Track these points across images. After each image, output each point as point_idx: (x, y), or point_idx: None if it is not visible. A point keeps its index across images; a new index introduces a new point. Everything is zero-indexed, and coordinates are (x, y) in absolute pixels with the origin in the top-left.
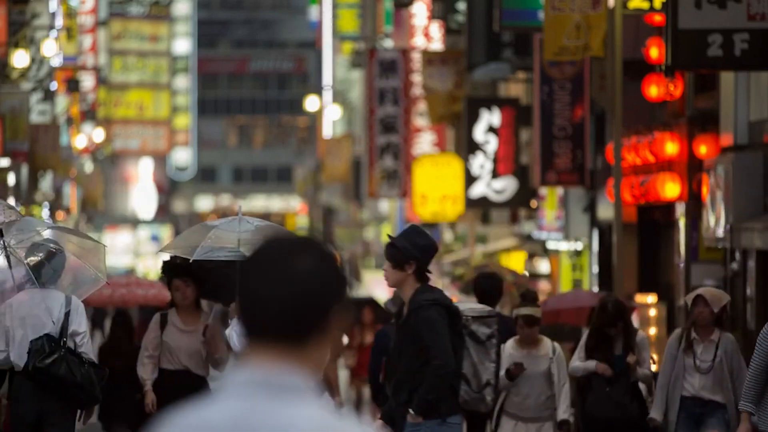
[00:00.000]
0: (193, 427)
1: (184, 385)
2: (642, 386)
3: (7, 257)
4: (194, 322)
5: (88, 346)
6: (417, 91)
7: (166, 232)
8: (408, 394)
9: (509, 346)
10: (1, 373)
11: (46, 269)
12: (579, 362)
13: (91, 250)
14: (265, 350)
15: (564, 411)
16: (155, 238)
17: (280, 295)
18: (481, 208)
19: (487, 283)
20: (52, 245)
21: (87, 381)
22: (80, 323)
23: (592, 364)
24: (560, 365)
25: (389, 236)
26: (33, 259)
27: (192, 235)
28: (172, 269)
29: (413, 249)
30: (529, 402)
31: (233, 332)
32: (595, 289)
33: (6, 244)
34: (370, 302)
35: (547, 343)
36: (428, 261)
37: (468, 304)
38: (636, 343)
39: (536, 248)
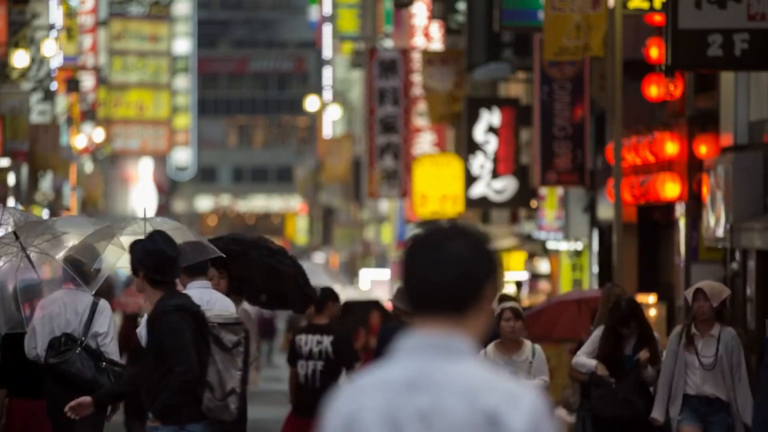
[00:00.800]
0: (376, 383)
1: None
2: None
3: (28, 257)
4: None
5: (111, 346)
6: (417, 91)
7: None
8: (153, 400)
9: (490, 352)
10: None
11: (80, 269)
12: (584, 357)
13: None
14: (431, 321)
15: None
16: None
17: (443, 276)
18: (481, 208)
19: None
20: (83, 244)
21: (103, 379)
22: (102, 324)
23: (592, 363)
24: (538, 369)
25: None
26: (69, 257)
27: (96, 241)
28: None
29: (142, 255)
30: None
31: (143, 331)
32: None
33: (25, 244)
34: (377, 305)
35: (527, 347)
36: (157, 267)
37: (215, 311)
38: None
39: (536, 248)
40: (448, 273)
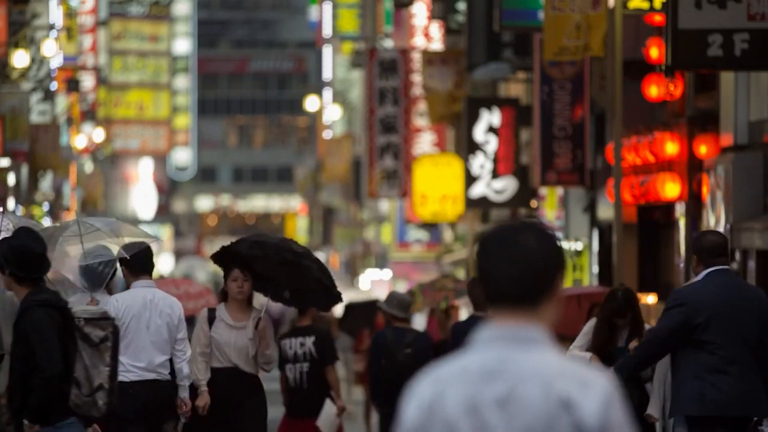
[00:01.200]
0: (456, 372)
1: (233, 384)
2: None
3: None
4: (244, 318)
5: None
6: (417, 91)
7: (166, 232)
8: (21, 399)
9: None
10: None
11: (97, 275)
12: (578, 351)
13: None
14: (505, 313)
15: None
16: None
17: (516, 270)
18: (481, 208)
19: (480, 290)
20: (102, 250)
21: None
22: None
23: (586, 356)
24: None
25: None
26: (86, 264)
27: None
28: (235, 259)
29: (7, 252)
30: None
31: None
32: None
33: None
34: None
35: None
36: (22, 264)
37: (82, 306)
38: (644, 335)
39: None
40: (520, 267)
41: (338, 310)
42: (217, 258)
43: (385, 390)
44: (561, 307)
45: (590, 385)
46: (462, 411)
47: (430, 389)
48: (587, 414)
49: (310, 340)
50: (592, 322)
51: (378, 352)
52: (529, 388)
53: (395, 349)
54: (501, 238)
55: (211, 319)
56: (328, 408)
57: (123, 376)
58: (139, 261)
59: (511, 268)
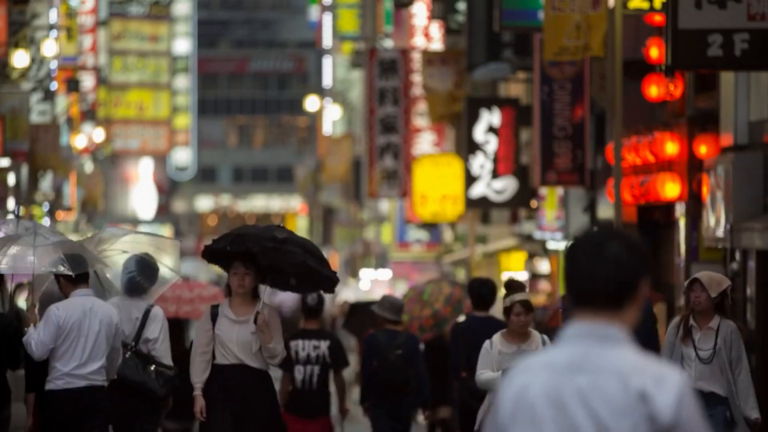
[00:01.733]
0: (542, 365)
1: (240, 380)
2: None
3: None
4: (247, 313)
5: (162, 350)
6: (417, 91)
7: (166, 232)
8: None
9: (497, 342)
10: None
11: (136, 280)
12: None
13: (165, 248)
14: (590, 313)
15: None
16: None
17: (603, 275)
18: (481, 208)
19: (482, 289)
20: (138, 255)
21: (152, 381)
22: (154, 330)
23: None
24: None
25: None
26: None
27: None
28: (238, 252)
29: None
30: None
31: (31, 339)
32: None
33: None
34: None
35: (536, 337)
36: None
37: None
38: None
39: (536, 248)
40: (607, 272)
41: (333, 310)
42: (209, 258)
43: (377, 390)
44: None
45: (665, 380)
46: (546, 399)
47: (520, 379)
48: (661, 407)
49: (325, 344)
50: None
51: (370, 354)
52: (608, 381)
53: (387, 351)
54: (589, 246)
55: (215, 315)
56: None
57: (53, 384)
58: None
59: (597, 273)
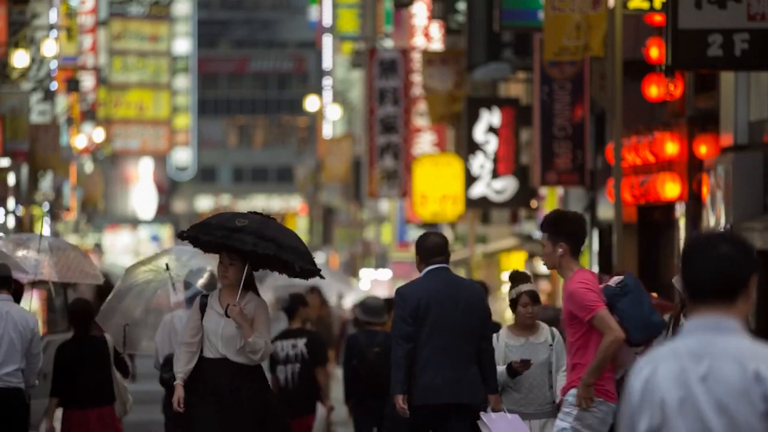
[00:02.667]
0: (667, 353)
1: (223, 375)
2: None
3: (173, 284)
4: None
5: None
6: (417, 91)
7: (166, 232)
8: None
9: (503, 335)
10: None
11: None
12: None
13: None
14: (707, 307)
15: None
16: (155, 239)
17: (716, 273)
18: (481, 208)
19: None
20: (205, 270)
21: None
22: None
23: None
24: (560, 353)
25: None
26: (194, 281)
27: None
28: (223, 243)
29: None
30: (531, 396)
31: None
32: None
33: (170, 272)
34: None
35: (545, 329)
36: None
37: None
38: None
39: (536, 248)
40: (722, 270)
41: (342, 314)
42: (203, 249)
43: (358, 390)
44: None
45: None
46: (672, 383)
47: (647, 368)
48: None
49: (302, 342)
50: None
51: (350, 354)
52: (727, 365)
53: (365, 350)
54: (703, 246)
55: (203, 305)
56: (321, 411)
57: None
58: None
59: (712, 271)
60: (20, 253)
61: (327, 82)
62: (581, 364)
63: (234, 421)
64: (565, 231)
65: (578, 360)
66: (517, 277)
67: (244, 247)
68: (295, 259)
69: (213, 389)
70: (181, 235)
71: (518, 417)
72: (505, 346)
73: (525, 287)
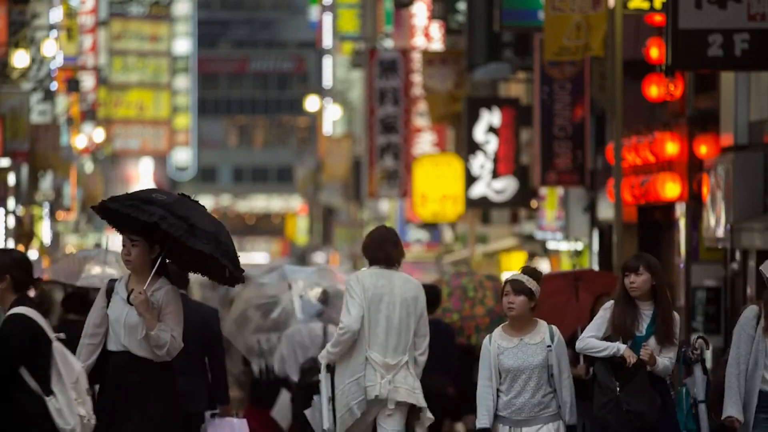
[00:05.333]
0: None
1: (124, 370)
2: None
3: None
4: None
5: None
6: (417, 91)
7: None
8: None
9: (496, 336)
10: None
11: (321, 307)
12: (594, 339)
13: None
14: None
15: (570, 413)
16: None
17: None
18: (481, 208)
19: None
20: (324, 287)
21: None
22: None
23: (615, 346)
24: (561, 355)
25: None
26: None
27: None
28: (121, 218)
29: None
30: (520, 401)
31: None
32: None
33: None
34: None
35: (542, 328)
36: None
37: None
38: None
39: (536, 248)
40: None
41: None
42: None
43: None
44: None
45: None
46: None
47: None
48: None
49: (275, 336)
50: (609, 303)
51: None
52: None
53: None
54: None
55: (110, 291)
56: (284, 398)
57: None
58: None
59: None
60: (95, 270)
61: (327, 81)
62: None
63: (135, 420)
64: None
65: None
66: (524, 272)
67: (149, 219)
68: (213, 249)
69: (115, 385)
70: (93, 207)
71: (245, 422)
72: (497, 347)
73: (511, 276)
